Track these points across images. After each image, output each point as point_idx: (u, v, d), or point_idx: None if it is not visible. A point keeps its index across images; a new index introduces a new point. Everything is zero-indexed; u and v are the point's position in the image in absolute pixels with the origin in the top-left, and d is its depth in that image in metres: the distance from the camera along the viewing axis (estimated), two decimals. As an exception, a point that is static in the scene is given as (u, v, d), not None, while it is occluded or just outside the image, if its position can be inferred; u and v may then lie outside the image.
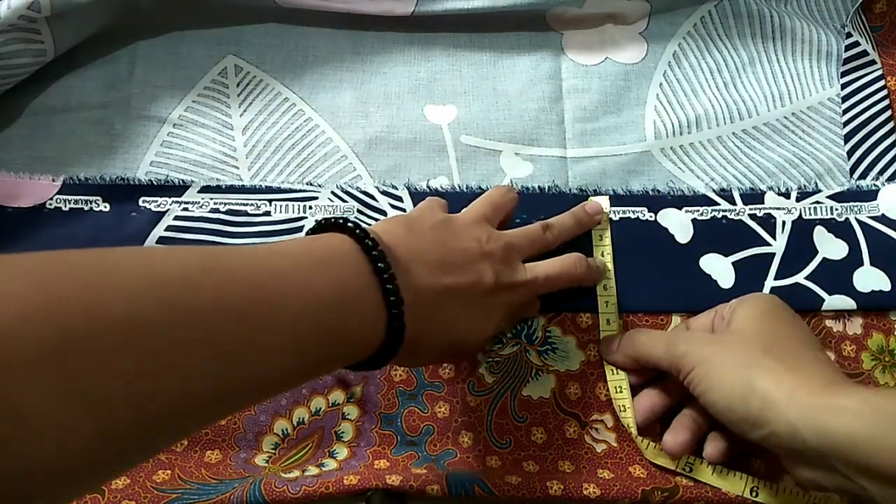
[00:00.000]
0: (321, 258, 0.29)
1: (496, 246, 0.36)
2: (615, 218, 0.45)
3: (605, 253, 0.44)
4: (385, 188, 0.45)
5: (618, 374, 0.41)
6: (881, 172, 0.47)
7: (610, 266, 0.44)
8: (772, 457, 0.39)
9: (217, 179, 0.45)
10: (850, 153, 0.47)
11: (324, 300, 0.27)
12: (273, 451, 0.40)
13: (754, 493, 0.38)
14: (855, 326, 0.44)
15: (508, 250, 0.37)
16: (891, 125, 0.48)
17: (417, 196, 0.45)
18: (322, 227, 0.32)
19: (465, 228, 0.36)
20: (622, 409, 0.40)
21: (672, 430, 0.39)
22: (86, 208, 0.44)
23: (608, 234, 0.44)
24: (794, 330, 0.37)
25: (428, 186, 0.46)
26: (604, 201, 0.45)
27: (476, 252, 0.35)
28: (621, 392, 0.41)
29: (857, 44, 0.50)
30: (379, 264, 0.30)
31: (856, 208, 0.46)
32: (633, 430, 0.40)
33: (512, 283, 0.36)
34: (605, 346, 0.42)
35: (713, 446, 0.38)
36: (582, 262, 0.41)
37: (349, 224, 0.31)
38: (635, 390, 0.41)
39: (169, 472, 0.39)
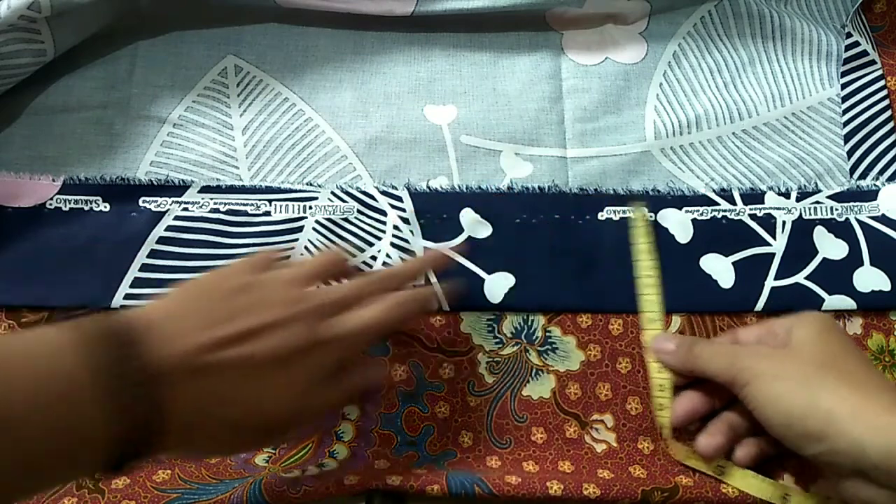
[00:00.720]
0: (51, 359, 0.27)
1: (300, 309, 0.33)
2: (615, 218, 0.45)
3: (643, 254, 0.43)
4: (385, 188, 0.45)
5: (663, 372, 0.41)
6: (881, 172, 0.47)
7: (653, 264, 0.43)
8: (801, 469, 0.39)
9: (217, 179, 0.45)
10: (850, 153, 0.47)
11: (51, 402, 0.26)
12: (273, 451, 0.40)
13: (786, 501, 0.38)
14: (855, 326, 0.44)
15: (318, 311, 0.34)
16: (891, 125, 0.48)
17: (417, 196, 0.45)
18: (69, 317, 0.30)
19: (267, 294, 0.34)
20: (660, 407, 0.40)
21: (707, 433, 0.39)
22: (86, 208, 0.44)
23: (646, 234, 0.44)
24: (851, 349, 0.37)
25: (428, 186, 0.46)
26: (633, 210, 0.45)
27: (270, 320, 0.32)
28: (664, 391, 0.40)
29: (857, 44, 0.50)
30: (123, 362, 0.27)
31: (856, 208, 0.46)
32: (667, 430, 0.40)
33: (318, 342, 0.33)
34: (659, 346, 0.41)
35: (744, 451, 0.38)
36: (396, 307, 0.36)
37: (91, 317, 0.29)
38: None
39: (169, 471, 0.39)
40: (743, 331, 0.41)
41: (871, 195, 0.46)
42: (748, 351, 0.38)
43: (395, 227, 0.44)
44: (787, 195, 0.46)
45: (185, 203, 0.44)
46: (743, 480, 0.38)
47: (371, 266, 0.44)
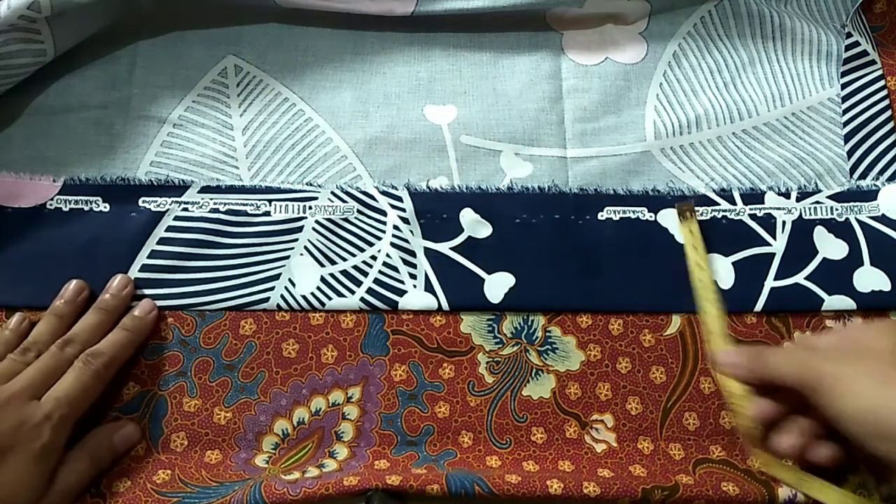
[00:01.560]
0: None
1: None
2: (615, 218, 0.45)
3: (700, 262, 0.43)
4: (385, 188, 0.45)
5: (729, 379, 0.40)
6: (881, 172, 0.47)
7: (706, 267, 0.43)
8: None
9: (217, 179, 0.45)
10: (850, 153, 0.47)
11: None
12: (273, 452, 0.40)
13: None
14: (855, 326, 0.44)
15: (19, 398, 0.35)
16: (891, 125, 0.48)
17: (417, 196, 0.45)
18: None
19: None
20: (736, 414, 0.40)
21: (783, 431, 0.38)
22: (86, 208, 0.44)
23: (699, 244, 0.44)
24: None
25: (428, 187, 0.46)
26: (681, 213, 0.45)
27: None
28: (734, 397, 0.40)
29: (857, 44, 0.50)
30: None
31: (856, 208, 0.46)
32: (745, 434, 0.39)
33: (30, 426, 0.34)
34: (725, 360, 0.40)
35: (824, 452, 0.38)
36: (88, 367, 0.38)
37: None
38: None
39: (169, 472, 0.39)
40: (815, 337, 0.41)
41: (871, 195, 0.46)
42: (822, 353, 0.38)
43: (395, 227, 0.44)
44: (787, 195, 0.46)
45: (185, 203, 0.44)
46: (823, 492, 0.38)
47: (371, 266, 0.44)
